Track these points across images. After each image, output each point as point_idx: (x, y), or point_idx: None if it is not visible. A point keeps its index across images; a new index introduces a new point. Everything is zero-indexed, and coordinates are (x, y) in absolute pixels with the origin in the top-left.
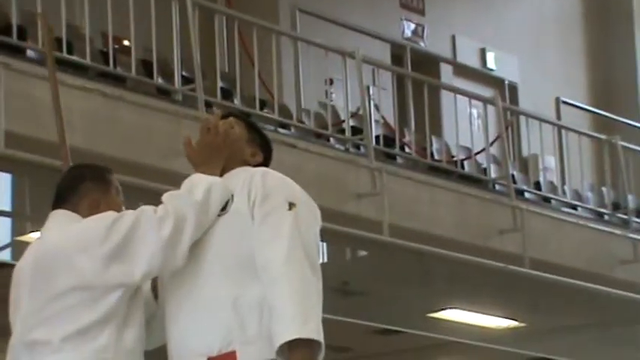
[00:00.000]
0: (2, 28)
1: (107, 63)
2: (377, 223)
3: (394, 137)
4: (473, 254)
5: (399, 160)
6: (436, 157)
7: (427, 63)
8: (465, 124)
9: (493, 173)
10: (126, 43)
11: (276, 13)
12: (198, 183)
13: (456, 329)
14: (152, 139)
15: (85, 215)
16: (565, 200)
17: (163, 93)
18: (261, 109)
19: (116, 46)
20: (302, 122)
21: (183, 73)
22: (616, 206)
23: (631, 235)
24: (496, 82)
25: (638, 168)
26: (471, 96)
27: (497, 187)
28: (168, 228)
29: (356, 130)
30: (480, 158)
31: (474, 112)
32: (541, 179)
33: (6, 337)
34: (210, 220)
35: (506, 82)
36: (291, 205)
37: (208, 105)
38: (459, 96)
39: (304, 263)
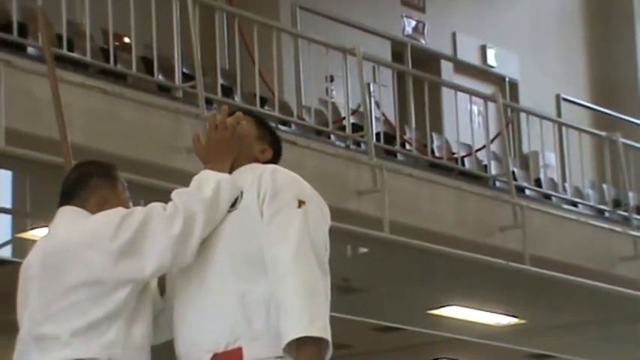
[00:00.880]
0: (3, 25)
1: (107, 60)
2: (377, 220)
3: (395, 134)
4: (473, 251)
5: (400, 157)
6: (437, 154)
7: (428, 60)
8: (466, 121)
9: (494, 170)
10: (126, 40)
11: (277, 10)
12: (208, 179)
13: (456, 326)
14: (152, 136)
15: (93, 211)
16: (565, 197)
17: (164, 90)
18: (262, 106)
19: (116, 43)
20: (302, 119)
21: (184, 70)
22: (616, 203)
23: (631, 232)
24: (497, 79)
25: (638, 165)
26: (472, 93)
27: (497, 184)
28: (178, 225)
29: (356, 127)
30: (481, 155)
31: (475, 109)
32: (542, 176)
33: (9, 333)
34: (220, 217)
35: (507, 79)
36: (300, 203)
37: (209, 102)
38: (459, 93)
39: (312, 261)
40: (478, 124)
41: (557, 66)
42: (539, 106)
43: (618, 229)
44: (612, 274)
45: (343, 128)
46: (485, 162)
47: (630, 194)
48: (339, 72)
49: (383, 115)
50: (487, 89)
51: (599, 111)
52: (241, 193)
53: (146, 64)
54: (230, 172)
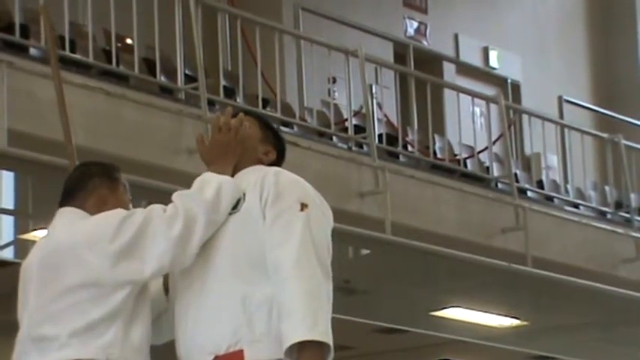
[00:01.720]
0: (5, 26)
1: (110, 61)
2: (379, 222)
3: (397, 136)
4: (475, 253)
5: (402, 158)
6: (439, 155)
7: (430, 61)
8: (468, 123)
9: (496, 172)
10: (129, 41)
11: (279, 11)
12: (209, 182)
13: (458, 328)
14: (154, 137)
15: (92, 212)
16: (568, 199)
17: (166, 91)
18: (264, 107)
19: (119, 45)
20: (304, 121)
21: (186, 72)
22: (619, 205)
23: (633, 234)
24: (499, 81)
25: None
26: (474, 94)
27: (499, 185)
28: (178, 227)
29: (359, 129)
30: (483, 157)
31: (477, 110)
32: (544, 178)
33: (11, 334)
34: (221, 219)
35: (509, 81)
36: (303, 206)
37: (211, 103)
38: (461, 94)
39: (315, 265)
40: (480, 126)
41: (560, 68)
42: (542, 108)
43: (620, 230)
44: (614, 275)
45: (345, 130)
46: (487, 164)
47: (632, 196)
48: (342, 73)
49: (385, 116)
50: (489, 91)
51: (601, 112)
52: (243, 195)
53: (148, 65)
54: (233, 174)
